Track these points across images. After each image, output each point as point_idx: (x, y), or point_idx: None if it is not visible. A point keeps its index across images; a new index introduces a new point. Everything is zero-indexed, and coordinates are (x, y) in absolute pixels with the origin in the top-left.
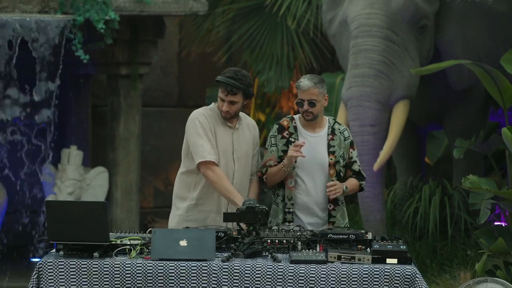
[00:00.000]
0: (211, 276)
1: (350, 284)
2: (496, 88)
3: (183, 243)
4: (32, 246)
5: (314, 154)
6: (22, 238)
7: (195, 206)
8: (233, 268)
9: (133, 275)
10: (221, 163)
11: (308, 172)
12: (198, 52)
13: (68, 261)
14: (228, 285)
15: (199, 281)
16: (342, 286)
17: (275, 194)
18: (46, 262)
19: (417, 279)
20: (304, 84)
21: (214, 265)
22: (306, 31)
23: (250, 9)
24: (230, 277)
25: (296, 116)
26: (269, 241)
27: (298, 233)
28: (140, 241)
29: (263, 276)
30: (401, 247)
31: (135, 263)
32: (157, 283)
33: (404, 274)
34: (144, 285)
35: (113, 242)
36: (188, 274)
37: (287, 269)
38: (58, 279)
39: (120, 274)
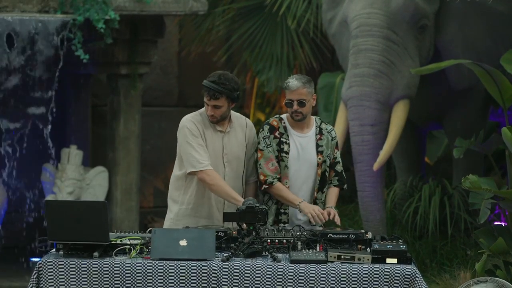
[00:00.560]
0: (211, 276)
1: (350, 284)
2: (496, 88)
3: (183, 242)
4: (32, 246)
5: (304, 154)
6: (22, 238)
7: (186, 211)
8: (233, 268)
9: (133, 275)
10: (212, 166)
11: (299, 171)
12: (198, 51)
13: (68, 261)
14: (228, 285)
15: (199, 281)
16: (342, 285)
17: (264, 195)
18: (46, 262)
19: (417, 279)
20: (292, 84)
21: (214, 265)
22: (306, 31)
23: (250, 8)
24: (230, 277)
25: (284, 116)
26: (269, 240)
27: (298, 233)
28: (140, 241)
29: (263, 275)
30: (401, 247)
31: (135, 263)
32: (157, 283)
33: (404, 274)
34: (144, 284)
35: (113, 242)
36: (188, 274)
37: (287, 268)
38: (58, 278)
39: (120, 273)
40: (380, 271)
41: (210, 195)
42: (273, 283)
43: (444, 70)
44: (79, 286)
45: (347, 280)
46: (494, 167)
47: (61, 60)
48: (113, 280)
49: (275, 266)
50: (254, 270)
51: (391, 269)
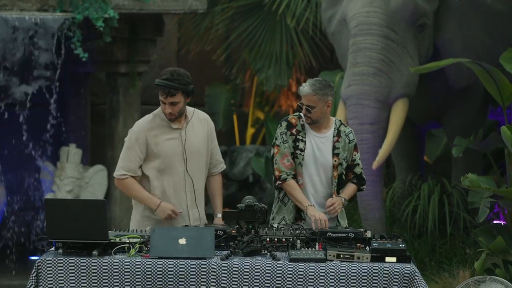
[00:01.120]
0: (210, 275)
1: (349, 283)
2: (495, 87)
3: (182, 241)
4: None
5: (319, 155)
6: (21, 236)
7: (145, 212)
8: (232, 267)
9: (132, 273)
10: (169, 166)
11: (312, 173)
12: (197, 50)
13: (67, 259)
14: (227, 284)
15: (198, 280)
16: (341, 284)
17: (280, 192)
18: (45, 260)
19: (416, 277)
20: (303, 90)
21: (213, 263)
22: (305, 30)
23: (249, 7)
24: (229, 275)
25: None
26: (268, 239)
27: (297, 232)
28: (139, 240)
29: (262, 274)
30: (400, 245)
31: (134, 262)
32: (156, 281)
33: (403, 272)
34: (143, 283)
35: (112, 240)
36: (187, 273)
37: (286, 267)
38: (57, 277)
39: (119, 272)
40: (379, 269)
41: (171, 199)
42: (272, 282)
43: (443, 69)
44: (78, 285)
45: (346, 279)
46: (493, 165)
47: (60, 59)
48: (112, 279)
49: (274, 265)
50: (253, 268)
51: (390, 268)
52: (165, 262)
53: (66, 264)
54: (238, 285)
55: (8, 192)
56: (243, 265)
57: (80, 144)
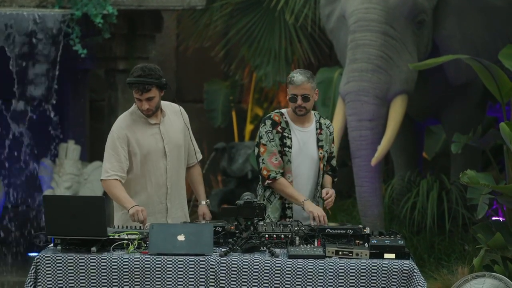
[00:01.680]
0: (208, 271)
1: (348, 279)
2: (494, 83)
3: (181, 237)
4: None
5: (306, 149)
6: (20, 233)
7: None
8: (231, 263)
9: (131, 270)
10: (150, 162)
11: (301, 165)
12: (195, 46)
13: (66, 256)
14: (226, 280)
15: (196, 276)
16: (340, 281)
17: (265, 190)
18: (44, 257)
19: (415, 274)
20: (298, 79)
21: (212, 260)
22: (304, 26)
23: (248, 3)
24: (228, 272)
25: (284, 111)
26: (267, 236)
27: (296, 228)
28: (138, 236)
29: (261, 271)
30: (399, 242)
31: (133, 258)
32: (154, 278)
33: (402, 269)
34: (142, 280)
35: (110, 237)
36: (186, 269)
37: (285, 264)
38: (55, 273)
39: (118, 268)
40: (378, 266)
41: (152, 196)
42: (271, 278)
43: (442, 65)
44: (76, 281)
45: (345, 275)
46: (492, 162)
47: (59, 55)
48: (111, 275)
49: (273, 261)
50: (252, 265)
51: (389, 264)
52: (163, 259)
53: (64, 261)
54: (237, 281)
55: (7, 188)
56: (241, 261)
57: (78, 140)
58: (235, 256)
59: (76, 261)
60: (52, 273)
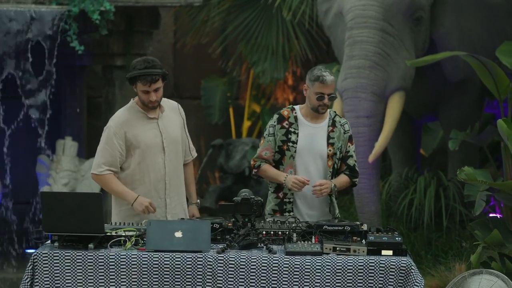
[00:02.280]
0: (206, 268)
1: (345, 276)
2: (492, 80)
3: (178, 234)
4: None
5: (314, 144)
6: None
7: (127, 211)
8: (228, 260)
9: (128, 266)
10: (149, 156)
11: (305, 161)
12: (193, 43)
13: (63, 253)
14: (223, 277)
15: (194, 273)
16: (337, 277)
17: (270, 184)
18: (41, 254)
19: (412, 270)
20: (329, 79)
21: (209, 256)
22: (302, 22)
23: (246, 0)
24: (225, 268)
25: (297, 107)
26: (264, 232)
27: (293, 225)
28: (135, 233)
29: (258, 267)
30: (396, 238)
31: (130, 255)
32: (152, 274)
33: (399, 265)
34: (139, 276)
35: (108, 234)
36: (183, 266)
37: (282, 260)
38: (53, 270)
39: (115, 265)
40: (375, 263)
41: (151, 191)
42: (268, 275)
43: (439, 62)
44: (74, 278)
45: (342, 272)
46: (489, 159)
47: (56, 52)
48: (108, 272)
49: (270, 258)
50: (249, 262)
51: (386, 261)
52: (161, 255)
53: (62, 257)
54: (234, 278)
55: (4, 184)
56: (239, 258)
57: (76, 137)
58: (233, 253)
59: (73, 257)
60: (49, 270)
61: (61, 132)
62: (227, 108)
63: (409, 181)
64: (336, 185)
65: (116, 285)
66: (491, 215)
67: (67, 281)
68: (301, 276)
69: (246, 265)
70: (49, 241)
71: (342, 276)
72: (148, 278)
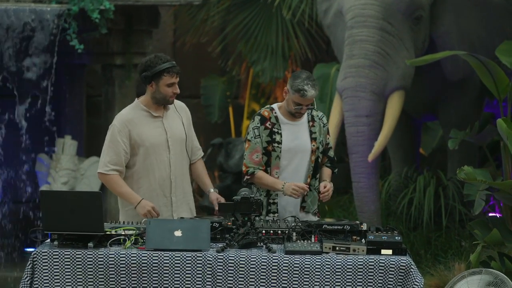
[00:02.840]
0: (205, 267)
1: (345, 275)
2: (491, 79)
3: (178, 233)
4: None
5: (298, 142)
6: (16, 228)
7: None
8: (227, 259)
9: (128, 265)
10: (154, 155)
11: (291, 160)
12: (193, 42)
13: (63, 251)
14: (223, 276)
15: (193, 272)
16: (336, 276)
17: (252, 187)
18: (40, 252)
19: (411, 270)
20: (310, 93)
21: (208, 255)
22: (301, 22)
23: None
24: (225, 267)
25: (275, 106)
26: (264, 231)
27: (293, 224)
28: (134, 232)
29: (258, 266)
30: (396, 238)
31: (130, 254)
32: (151, 273)
33: (399, 265)
34: (139, 275)
35: (107, 232)
36: (183, 265)
37: (282, 259)
38: (52, 269)
39: (115, 264)
40: (375, 262)
41: (156, 189)
42: (268, 274)
43: (439, 62)
44: (73, 277)
45: (342, 271)
46: (489, 158)
47: (55, 50)
48: (107, 271)
49: (270, 257)
50: (249, 261)
51: (386, 260)
52: (160, 254)
53: (61, 256)
54: (234, 277)
55: (3, 183)
56: (238, 257)
57: (75, 135)
58: (232, 252)
59: (73, 256)
60: (49, 269)
61: (60, 131)
62: (227, 107)
63: (408, 180)
64: (331, 182)
65: (115, 284)
66: (490, 214)
67: (66, 279)
68: (301, 275)
69: (245, 264)
70: (48, 240)
71: (342, 275)
72: (148, 277)
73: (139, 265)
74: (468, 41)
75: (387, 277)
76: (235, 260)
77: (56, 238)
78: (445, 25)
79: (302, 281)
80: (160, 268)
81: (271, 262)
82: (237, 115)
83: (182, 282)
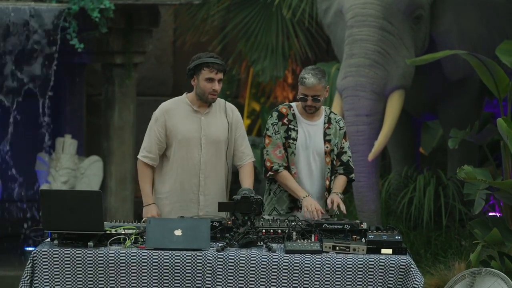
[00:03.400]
0: (205, 266)
1: (345, 274)
2: (491, 79)
3: (178, 232)
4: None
5: (312, 142)
6: (16, 227)
7: (166, 199)
8: (227, 258)
9: (128, 264)
10: (185, 149)
11: (305, 158)
12: (193, 41)
13: (63, 251)
14: (223, 275)
15: (193, 271)
16: (336, 276)
17: (271, 183)
18: (40, 252)
19: (411, 269)
20: (309, 81)
21: (208, 255)
22: (301, 21)
23: None
24: (225, 266)
25: (293, 104)
26: (264, 231)
27: (293, 223)
28: (134, 231)
29: (258, 266)
30: (396, 237)
31: (130, 253)
32: (151, 272)
33: (399, 264)
34: (139, 274)
35: (107, 232)
36: (183, 264)
37: (282, 259)
38: (52, 268)
39: (115, 263)
40: (375, 261)
41: (184, 183)
42: (268, 273)
43: (439, 61)
44: (73, 276)
45: (342, 271)
46: (489, 157)
47: (56, 50)
48: (107, 270)
49: (270, 256)
50: (249, 260)
51: (386, 259)
52: (160, 253)
53: (61, 255)
54: (234, 276)
55: (3, 182)
56: (238, 256)
57: (75, 134)
58: (232, 251)
59: (73, 255)
60: (49, 268)
61: (60, 130)
62: None
63: (408, 179)
64: (339, 192)
65: (115, 283)
66: (490, 214)
67: (66, 279)
68: (301, 275)
69: (245, 263)
70: (48, 239)
71: (342, 274)
72: (148, 276)
73: (139, 264)
74: (468, 40)
75: (387, 277)
76: (235, 259)
77: (56, 237)
78: (445, 24)
79: (302, 280)
80: (160, 267)
81: (271, 262)
82: None
83: (182, 282)
